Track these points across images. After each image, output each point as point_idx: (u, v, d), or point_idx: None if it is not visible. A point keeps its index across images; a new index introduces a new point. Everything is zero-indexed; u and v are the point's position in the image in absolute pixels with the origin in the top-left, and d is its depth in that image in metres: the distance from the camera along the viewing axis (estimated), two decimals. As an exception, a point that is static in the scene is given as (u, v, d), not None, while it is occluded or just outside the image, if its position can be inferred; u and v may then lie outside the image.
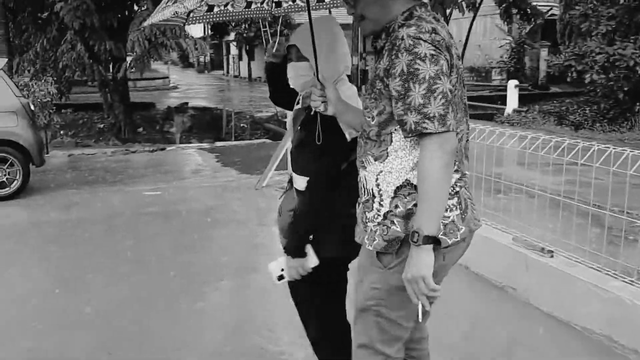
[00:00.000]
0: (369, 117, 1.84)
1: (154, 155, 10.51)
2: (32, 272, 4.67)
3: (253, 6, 2.71)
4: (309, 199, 2.13)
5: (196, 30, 35.82)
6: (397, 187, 1.80)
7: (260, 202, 6.69)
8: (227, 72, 41.92)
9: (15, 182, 6.99)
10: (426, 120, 1.65)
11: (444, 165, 1.66)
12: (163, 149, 11.12)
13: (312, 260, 2.16)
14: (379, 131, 1.82)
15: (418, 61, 1.66)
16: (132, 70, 14.75)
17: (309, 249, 2.15)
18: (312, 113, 2.12)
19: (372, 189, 1.86)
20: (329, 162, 2.11)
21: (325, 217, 2.14)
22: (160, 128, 15.92)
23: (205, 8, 2.51)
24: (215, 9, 2.59)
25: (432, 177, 1.66)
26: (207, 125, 17.00)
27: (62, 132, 13.08)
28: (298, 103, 2.32)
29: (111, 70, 13.27)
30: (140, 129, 14.66)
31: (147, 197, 7.05)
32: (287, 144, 7.87)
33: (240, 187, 7.54)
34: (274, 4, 2.87)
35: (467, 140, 1.92)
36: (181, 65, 51.13)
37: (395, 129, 1.78)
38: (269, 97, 2.57)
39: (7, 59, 8.52)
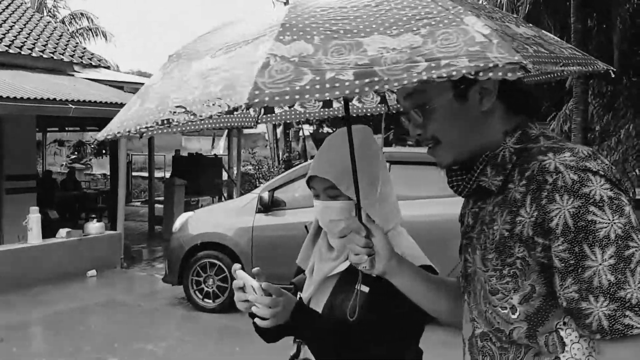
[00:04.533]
0: (504, 308, 1.14)
1: None
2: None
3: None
4: None
5: None
6: None
7: None
8: None
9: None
10: (627, 313, 0.96)
11: None
12: None
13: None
14: (531, 330, 1.11)
15: (592, 209, 1.00)
16: None
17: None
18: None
19: None
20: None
21: None
22: None
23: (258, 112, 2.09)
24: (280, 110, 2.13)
25: None
26: None
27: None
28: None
29: None
30: None
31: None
32: None
33: None
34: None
35: None
36: None
37: (564, 322, 1.09)
38: None
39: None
